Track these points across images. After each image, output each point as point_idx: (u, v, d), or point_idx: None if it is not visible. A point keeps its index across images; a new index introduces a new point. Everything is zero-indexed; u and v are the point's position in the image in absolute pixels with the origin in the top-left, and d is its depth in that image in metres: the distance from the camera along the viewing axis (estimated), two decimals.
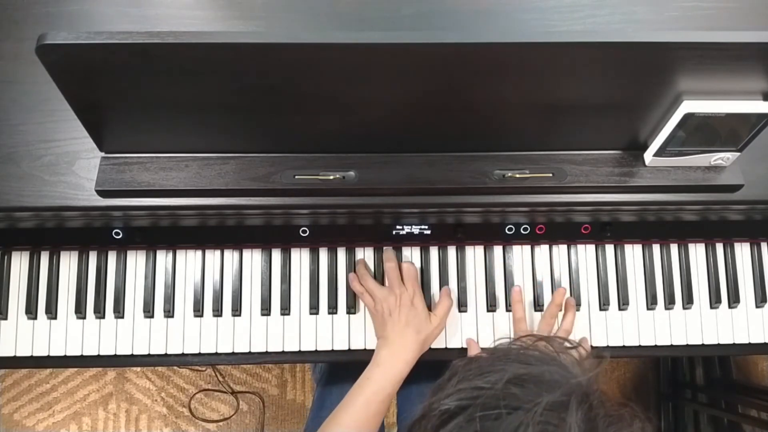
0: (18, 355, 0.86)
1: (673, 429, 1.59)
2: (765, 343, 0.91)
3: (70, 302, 0.87)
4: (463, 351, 0.87)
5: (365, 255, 0.89)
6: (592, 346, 0.88)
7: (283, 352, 0.88)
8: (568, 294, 0.88)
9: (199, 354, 0.87)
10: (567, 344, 0.50)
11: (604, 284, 0.90)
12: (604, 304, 0.89)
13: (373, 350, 0.83)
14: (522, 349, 0.49)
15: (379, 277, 0.88)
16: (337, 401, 0.98)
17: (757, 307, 0.91)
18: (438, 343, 0.88)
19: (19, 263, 0.87)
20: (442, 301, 0.86)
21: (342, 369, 1.02)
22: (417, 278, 0.85)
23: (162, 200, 0.76)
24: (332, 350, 0.88)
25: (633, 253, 0.91)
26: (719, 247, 0.92)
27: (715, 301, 0.91)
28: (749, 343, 0.90)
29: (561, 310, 0.87)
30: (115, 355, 0.87)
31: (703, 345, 0.90)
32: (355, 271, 0.88)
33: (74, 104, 0.65)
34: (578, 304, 0.89)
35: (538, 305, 0.89)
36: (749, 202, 0.80)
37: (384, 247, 0.88)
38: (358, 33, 0.56)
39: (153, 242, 0.87)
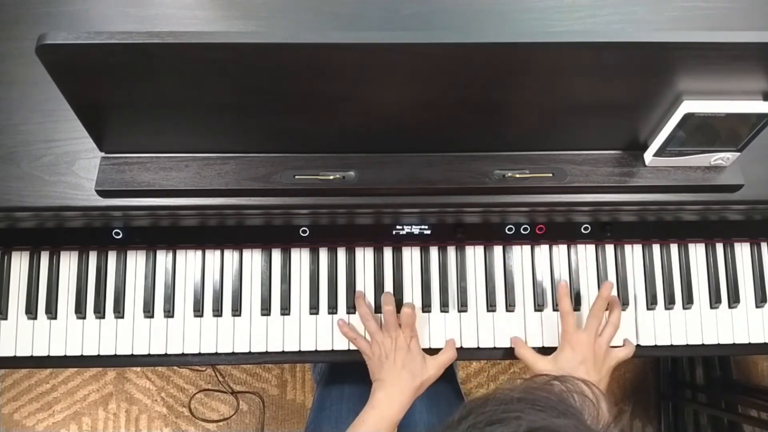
0: (18, 355, 0.86)
1: (673, 429, 1.59)
2: (765, 343, 0.91)
3: (70, 302, 0.87)
4: (463, 351, 0.87)
5: (365, 255, 0.89)
6: (638, 345, 0.88)
7: (283, 352, 0.88)
8: (614, 291, 0.85)
9: (199, 354, 0.87)
10: (585, 388, 0.49)
11: None
12: None
13: None
14: (537, 391, 0.46)
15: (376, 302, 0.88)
16: (337, 401, 0.98)
17: (757, 307, 0.91)
18: (438, 344, 0.88)
19: (19, 263, 0.87)
20: (447, 352, 0.85)
21: (342, 369, 1.02)
22: (414, 324, 0.84)
23: (162, 200, 0.76)
24: (332, 350, 0.88)
25: (633, 253, 0.91)
26: (719, 247, 0.92)
27: (715, 301, 0.91)
28: (749, 343, 0.90)
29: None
30: (115, 355, 0.87)
31: (703, 345, 0.90)
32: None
33: (74, 104, 0.65)
34: (578, 304, 0.89)
35: (538, 305, 0.89)
36: (749, 202, 0.80)
37: (384, 292, 0.88)
38: (358, 33, 0.56)
39: (153, 242, 0.87)
